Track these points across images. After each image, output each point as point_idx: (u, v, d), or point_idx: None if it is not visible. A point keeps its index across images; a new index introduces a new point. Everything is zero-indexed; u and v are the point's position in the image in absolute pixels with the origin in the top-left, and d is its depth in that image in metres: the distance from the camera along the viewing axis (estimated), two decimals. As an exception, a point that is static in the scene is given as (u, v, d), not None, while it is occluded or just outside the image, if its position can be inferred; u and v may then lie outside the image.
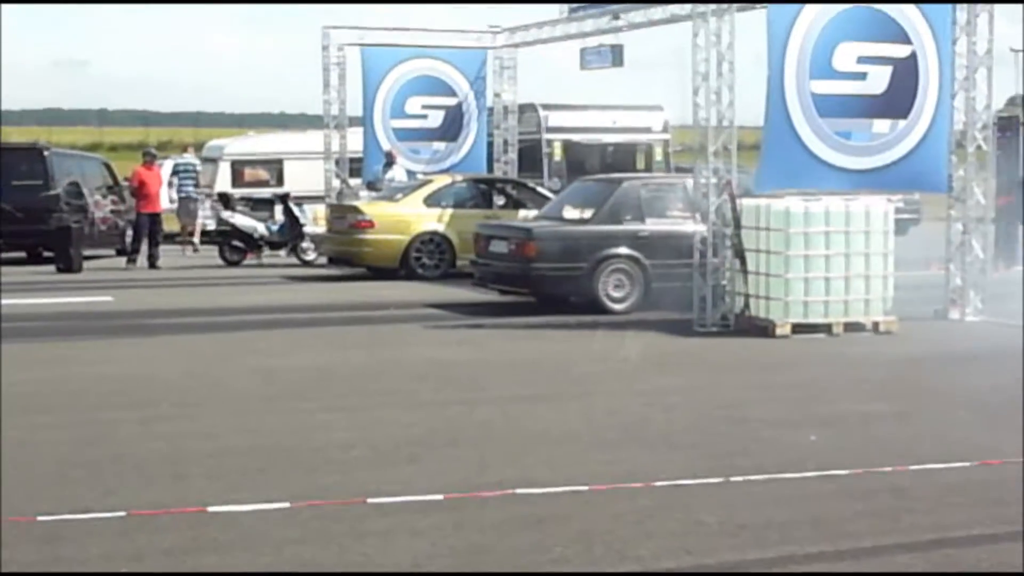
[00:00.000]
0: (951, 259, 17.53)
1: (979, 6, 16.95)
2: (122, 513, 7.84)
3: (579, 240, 18.47)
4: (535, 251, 18.27)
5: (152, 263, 25.88)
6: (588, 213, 18.88)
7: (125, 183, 28.66)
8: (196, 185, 30.69)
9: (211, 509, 7.98)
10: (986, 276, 17.57)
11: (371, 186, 26.60)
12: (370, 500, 8.16)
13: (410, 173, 26.73)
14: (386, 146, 27.27)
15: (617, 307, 18.15)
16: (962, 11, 17.00)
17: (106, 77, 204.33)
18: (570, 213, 19.24)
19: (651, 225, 18.41)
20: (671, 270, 17.16)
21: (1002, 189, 23.12)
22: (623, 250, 18.30)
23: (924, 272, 20.27)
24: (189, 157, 31.67)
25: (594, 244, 18.34)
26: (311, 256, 26.65)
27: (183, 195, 30.29)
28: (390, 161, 26.79)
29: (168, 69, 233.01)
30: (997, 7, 17.09)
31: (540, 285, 18.52)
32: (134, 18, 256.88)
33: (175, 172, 30.61)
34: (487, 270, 19.42)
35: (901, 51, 16.61)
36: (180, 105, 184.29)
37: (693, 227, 17.08)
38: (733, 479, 8.76)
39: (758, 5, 17.85)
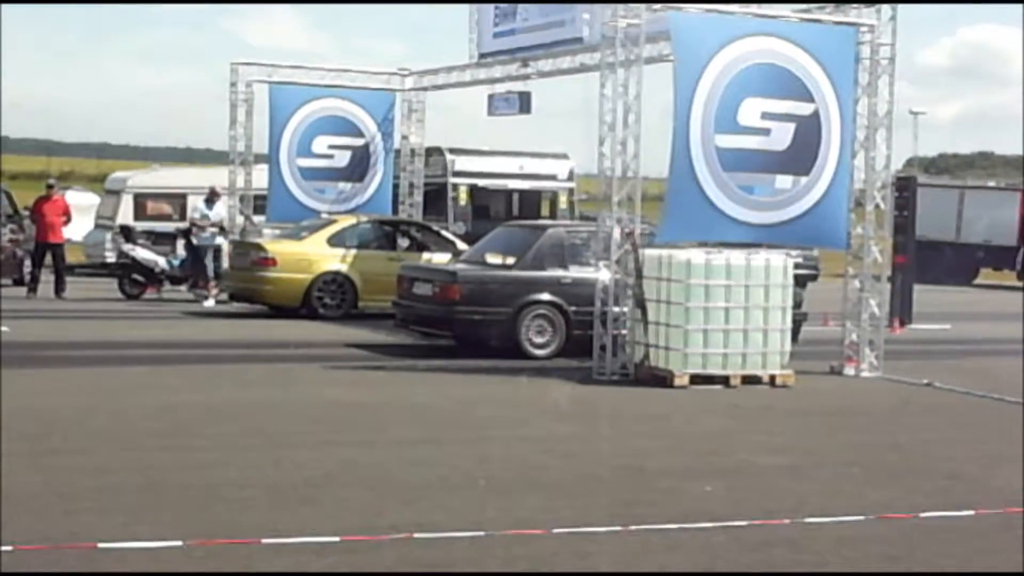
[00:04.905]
0: (848, 315, 17.76)
1: (880, 66, 17.26)
2: (8, 548, 7.70)
3: (502, 285, 18.50)
4: (458, 294, 18.27)
5: (58, 293, 25.56)
6: (512, 258, 18.93)
7: (25, 212, 28.50)
8: None
9: (102, 546, 7.86)
10: (881, 333, 17.79)
11: (194, 223, 26.47)
12: (265, 540, 8.08)
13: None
14: (290, 184, 27.12)
15: (539, 352, 18.20)
16: (864, 72, 17.30)
17: (9, 105, 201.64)
18: (494, 258, 19.28)
19: (574, 272, 18.46)
20: (593, 317, 17.10)
21: (899, 248, 23.49)
22: (546, 296, 18.36)
23: (821, 327, 20.53)
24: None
25: (517, 289, 18.38)
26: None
27: None
28: (212, 198, 26.60)
29: (73, 99, 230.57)
30: (899, 69, 17.41)
31: (462, 328, 18.50)
32: (41, 47, 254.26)
33: None
34: (409, 312, 19.36)
35: (805, 108, 16.83)
36: (84, 136, 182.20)
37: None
38: (630, 528, 8.78)
39: (666, 57, 18.02)
